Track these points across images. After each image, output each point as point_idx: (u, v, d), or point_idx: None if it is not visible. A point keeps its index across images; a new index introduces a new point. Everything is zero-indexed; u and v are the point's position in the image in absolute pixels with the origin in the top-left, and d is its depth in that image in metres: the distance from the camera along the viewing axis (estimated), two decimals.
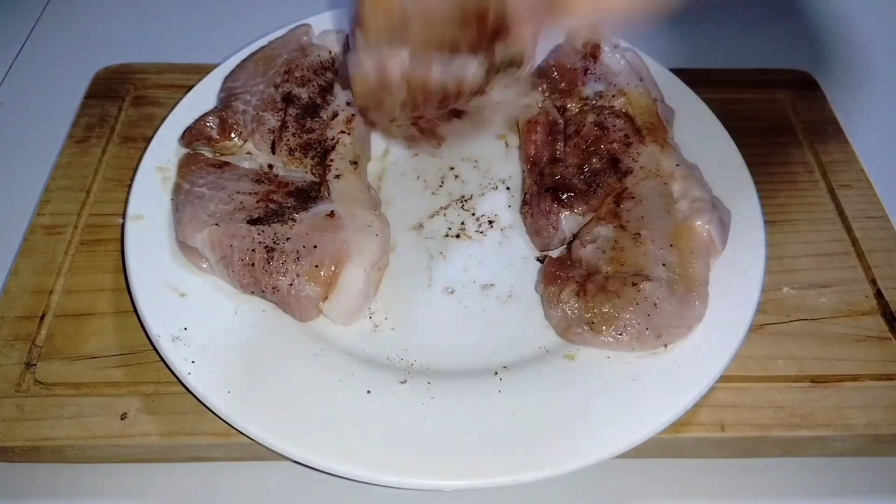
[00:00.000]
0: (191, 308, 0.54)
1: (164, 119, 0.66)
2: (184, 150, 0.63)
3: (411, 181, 0.66)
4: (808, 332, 0.58)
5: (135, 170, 0.62)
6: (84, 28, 0.87)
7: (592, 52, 0.67)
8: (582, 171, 0.60)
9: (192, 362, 0.51)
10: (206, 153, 0.62)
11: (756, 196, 0.62)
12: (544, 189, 0.60)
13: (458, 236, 0.62)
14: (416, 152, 0.68)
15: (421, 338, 0.55)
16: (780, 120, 0.75)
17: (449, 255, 0.61)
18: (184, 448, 0.52)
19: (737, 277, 0.56)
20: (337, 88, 0.66)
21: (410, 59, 0.51)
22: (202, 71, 0.70)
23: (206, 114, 0.62)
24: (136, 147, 0.68)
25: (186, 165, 0.61)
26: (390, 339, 0.55)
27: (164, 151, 0.63)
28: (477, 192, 0.66)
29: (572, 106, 0.65)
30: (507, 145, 0.69)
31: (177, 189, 0.59)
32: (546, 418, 0.50)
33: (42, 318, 0.57)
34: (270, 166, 0.62)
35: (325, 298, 0.53)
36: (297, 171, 0.61)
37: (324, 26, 0.72)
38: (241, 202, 0.57)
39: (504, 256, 0.61)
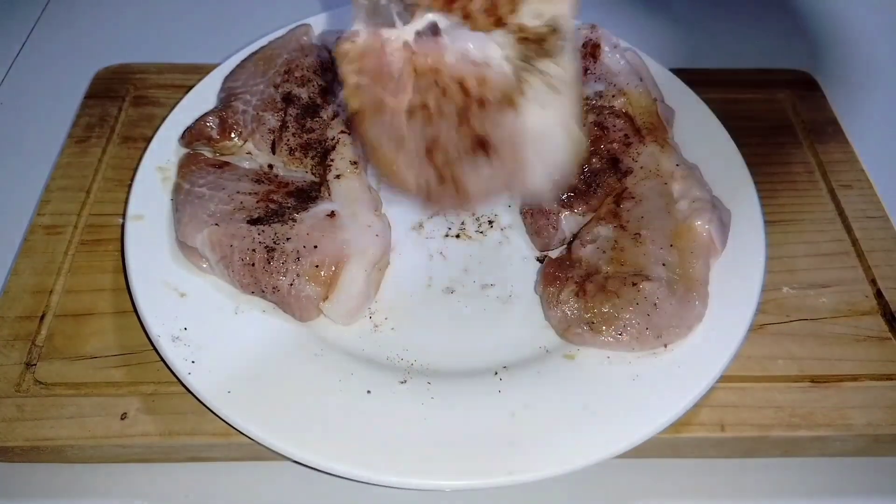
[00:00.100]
0: (191, 308, 0.54)
1: (164, 119, 0.66)
2: (184, 150, 0.63)
3: None
4: (808, 332, 0.58)
5: (135, 170, 0.62)
6: (84, 28, 0.87)
7: (592, 52, 0.67)
8: (582, 170, 0.60)
9: (192, 362, 0.51)
10: (206, 153, 0.62)
11: (756, 196, 0.62)
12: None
13: (458, 236, 0.62)
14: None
15: (421, 338, 0.55)
16: (780, 120, 0.75)
17: (449, 255, 0.61)
18: (184, 448, 0.52)
19: (737, 277, 0.56)
20: (337, 88, 0.66)
21: (415, 35, 0.41)
22: (202, 71, 0.70)
23: (206, 114, 0.62)
24: (136, 147, 0.68)
25: (186, 165, 0.61)
26: (390, 339, 0.55)
27: (164, 151, 0.63)
28: None
29: None
30: None
31: (177, 189, 0.59)
32: (546, 418, 0.50)
33: (42, 318, 0.57)
34: (270, 166, 0.62)
35: (326, 298, 0.53)
36: (297, 171, 0.61)
37: (324, 26, 0.72)
38: (241, 202, 0.57)
39: (504, 256, 0.61)
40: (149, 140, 0.64)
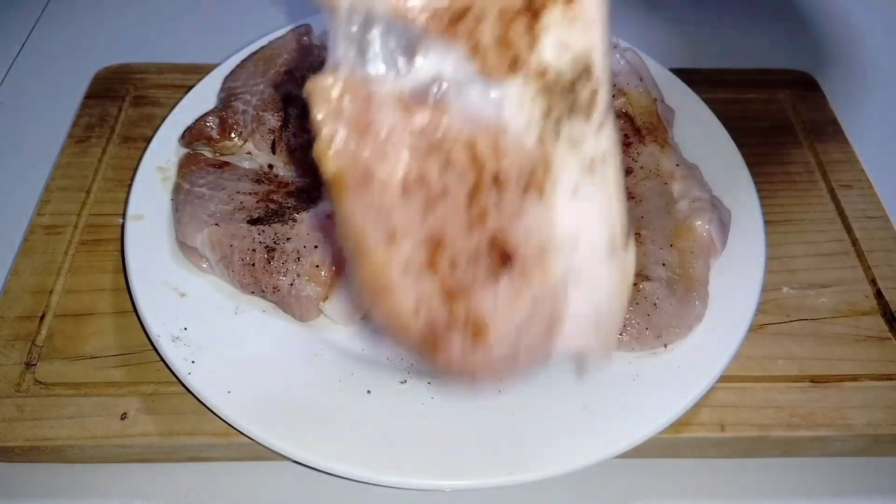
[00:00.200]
0: (191, 308, 0.54)
1: (164, 119, 0.66)
2: (184, 150, 0.63)
3: None
4: (808, 332, 0.58)
5: (135, 170, 0.62)
6: (84, 28, 0.87)
7: None
8: None
9: (192, 362, 0.51)
10: (206, 153, 0.62)
11: (756, 196, 0.62)
12: None
13: None
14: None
15: None
16: (780, 120, 0.75)
17: None
18: (184, 448, 0.52)
19: (737, 277, 0.56)
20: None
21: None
22: (202, 71, 0.70)
23: (206, 114, 0.62)
24: (136, 147, 0.68)
25: (186, 165, 0.61)
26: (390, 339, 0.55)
27: (164, 151, 0.63)
28: None
29: None
30: None
31: (177, 189, 0.59)
32: (546, 418, 0.50)
33: (42, 318, 0.57)
34: (270, 166, 0.62)
35: (326, 298, 0.53)
36: (298, 171, 0.61)
37: (324, 26, 0.72)
38: (242, 202, 0.57)
39: None
40: (149, 140, 0.64)
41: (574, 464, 0.48)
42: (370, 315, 0.37)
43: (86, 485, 0.52)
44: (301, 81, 0.66)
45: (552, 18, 0.31)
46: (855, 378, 0.56)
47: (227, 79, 0.67)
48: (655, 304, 0.52)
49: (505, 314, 0.34)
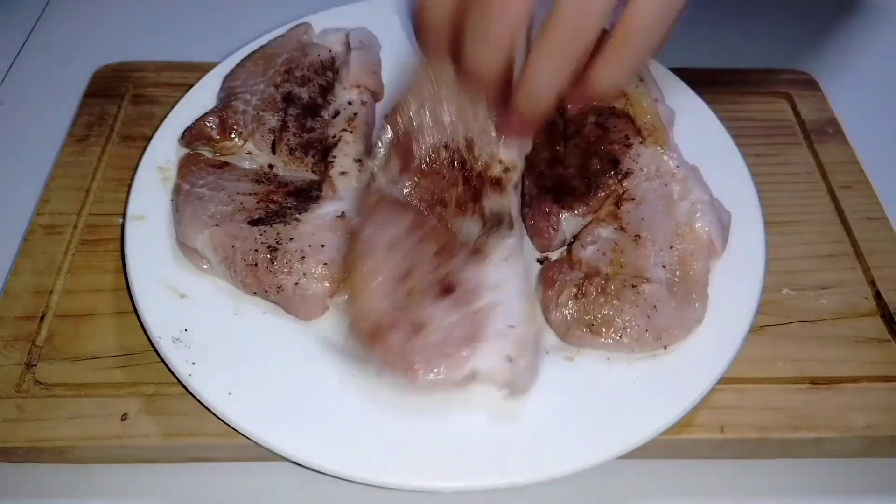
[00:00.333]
0: (191, 309, 0.54)
1: (163, 118, 0.65)
2: (184, 150, 0.63)
3: None
4: (807, 334, 0.58)
5: (135, 169, 0.62)
6: (83, 27, 0.87)
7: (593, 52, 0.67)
8: (582, 172, 0.60)
9: (193, 363, 0.51)
10: (206, 153, 0.62)
11: (756, 197, 0.62)
12: (544, 190, 0.60)
13: None
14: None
15: None
16: (780, 120, 0.75)
17: None
18: (184, 449, 0.52)
19: (737, 279, 0.56)
20: (338, 88, 0.66)
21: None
22: (202, 69, 0.70)
23: (206, 114, 0.62)
24: (136, 146, 0.68)
25: (186, 166, 0.61)
26: None
27: (164, 151, 0.63)
28: None
29: (572, 105, 0.65)
30: None
31: (177, 190, 0.59)
32: (546, 420, 0.50)
33: (42, 318, 0.57)
34: (271, 166, 0.62)
35: (333, 295, 0.54)
36: (298, 171, 0.61)
37: (324, 25, 0.72)
38: (242, 203, 0.57)
39: None
40: (148, 139, 0.64)
41: (574, 465, 0.48)
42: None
43: (86, 485, 0.53)
44: (301, 81, 0.66)
45: (486, 197, 0.54)
46: (854, 380, 0.56)
47: (226, 78, 0.67)
48: (655, 306, 0.52)
49: (440, 321, 0.48)
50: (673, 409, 0.50)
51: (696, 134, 0.65)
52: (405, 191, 0.54)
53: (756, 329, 0.56)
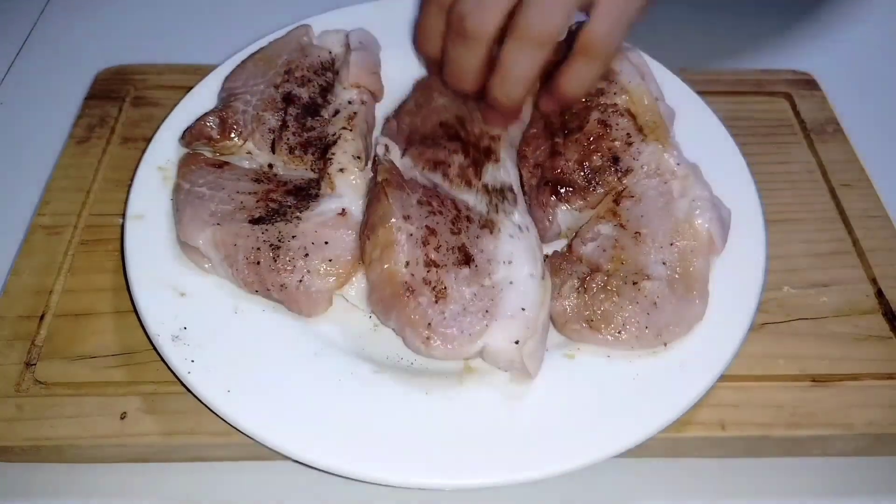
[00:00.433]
0: (190, 307, 0.54)
1: (164, 119, 0.66)
2: (184, 150, 0.63)
3: None
4: (808, 332, 0.58)
5: (135, 169, 0.62)
6: (84, 29, 0.87)
7: None
8: (583, 167, 0.60)
9: (192, 361, 0.51)
10: (206, 153, 0.62)
11: (756, 195, 0.62)
12: (544, 182, 0.60)
13: None
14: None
15: None
16: (780, 120, 0.75)
17: None
18: (184, 448, 0.52)
19: (737, 276, 0.56)
20: (338, 88, 0.66)
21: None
22: (202, 72, 0.70)
23: (207, 114, 0.62)
24: (137, 147, 0.68)
25: (186, 165, 0.61)
26: (390, 339, 0.55)
27: (164, 151, 0.63)
28: None
29: (544, 108, 0.65)
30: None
31: (177, 189, 0.59)
32: (546, 418, 0.50)
33: (42, 317, 0.57)
34: (270, 166, 0.62)
35: (340, 288, 0.54)
36: (297, 171, 0.61)
37: (324, 27, 0.72)
38: (242, 202, 0.57)
39: None
40: (149, 140, 0.64)
41: (574, 463, 0.47)
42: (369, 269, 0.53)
43: (86, 485, 0.52)
44: (301, 81, 0.66)
45: (486, 169, 0.60)
46: (856, 377, 0.55)
47: (227, 79, 0.67)
48: (655, 303, 0.52)
49: (460, 290, 0.51)
50: (673, 406, 0.50)
51: (696, 133, 0.65)
52: (410, 164, 0.58)
53: (757, 327, 0.56)
